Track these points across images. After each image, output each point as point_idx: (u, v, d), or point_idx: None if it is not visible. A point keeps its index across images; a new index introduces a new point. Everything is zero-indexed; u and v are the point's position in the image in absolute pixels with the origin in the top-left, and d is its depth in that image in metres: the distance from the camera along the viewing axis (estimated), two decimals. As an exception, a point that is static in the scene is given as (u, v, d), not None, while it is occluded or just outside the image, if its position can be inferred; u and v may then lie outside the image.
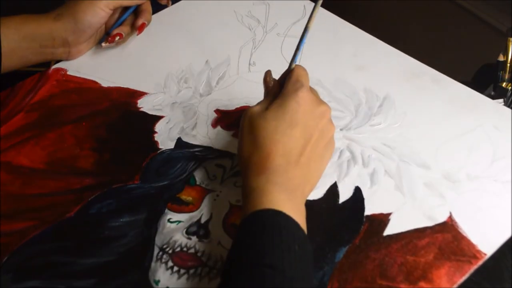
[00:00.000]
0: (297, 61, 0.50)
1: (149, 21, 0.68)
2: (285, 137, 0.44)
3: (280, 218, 0.41)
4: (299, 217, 0.43)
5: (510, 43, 0.70)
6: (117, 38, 0.65)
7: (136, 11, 0.68)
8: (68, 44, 0.63)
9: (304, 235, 0.42)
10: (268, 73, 0.50)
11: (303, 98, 0.46)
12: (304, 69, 0.49)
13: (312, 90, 0.48)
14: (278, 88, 0.49)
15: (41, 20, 0.62)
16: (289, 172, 0.44)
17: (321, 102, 0.47)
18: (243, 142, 0.46)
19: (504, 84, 0.68)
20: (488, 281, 0.45)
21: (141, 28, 0.67)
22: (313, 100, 0.46)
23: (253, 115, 0.46)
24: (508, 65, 0.69)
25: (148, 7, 0.68)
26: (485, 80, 0.70)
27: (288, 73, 0.49)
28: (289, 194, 0.43)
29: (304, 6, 0.72)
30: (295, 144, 0.45)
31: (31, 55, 0.62)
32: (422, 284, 0.43)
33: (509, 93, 0.67)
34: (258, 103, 0.48)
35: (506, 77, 0.69)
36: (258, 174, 0.44)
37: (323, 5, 0.72)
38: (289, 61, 0.50)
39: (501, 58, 0.69)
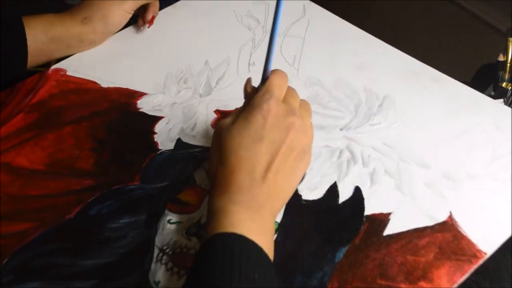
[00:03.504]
0: (271, 67, 0.46)
1: (156, 13, 0.71)
2: (249, 153, 0.42)
3: (240, 243, 0.38)
4: (265, 237, 0.40)
5: (510, 43, 0.70)
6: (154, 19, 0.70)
7: (145, 5, 0.70)
8: (95, 43, 0.67)
9: (267, 261, 0.39)
10: (248, 81, 0.47)
11: (269, 110, 0.43)
12: (281, 77, 0.45)
13: (288, 100, 0.45)
14: None
15: (67, 23, 0.63)
16: (254, 189, 0.41)
17: (289, 113, 0.44)
18: (211, 158, 0.44)
19: (504, 84, 0.68)
20: (488, 281, 0.45)
21: (151, 21, 0.70)
22: (279, 112, 0.43)
23: (221, 129, 0.44)
24: (508, 65, 0.69)
25: (155, 1, 0.71)
26: (485, 80, 0.70)
27: (262, 83, 0.46)
28: (254, 213, 0.41)
29: (304, 6, 0.72)
30: (261, 159, 0.42)
31: (57, 54, 0.65)
32: (422, 284, 0.43)
33: (509, 93, 0.66)
34: (230, 115, 0.45)
35: (506, 77, 0.69)
36: (221, 193, 0.42)
37: (322, 5, 0.72)
38: (263, 67, 0.45)
39: (501, 58, 0.69)
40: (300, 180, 0.46)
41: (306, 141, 0.45)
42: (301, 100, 0.47)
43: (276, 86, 0.44)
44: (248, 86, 0.47)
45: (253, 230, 0.40)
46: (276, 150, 0.43)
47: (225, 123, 0.44)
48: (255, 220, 0.41)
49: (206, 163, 0.53)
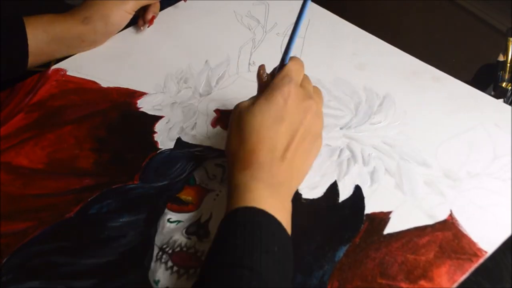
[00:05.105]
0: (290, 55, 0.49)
1: (157, 14, 0.71)
2: (271, 132, 0.44)
3: (261, 217, 0.41)
4: (283, 214, 0.42)
5: (510, 43, 0.69)
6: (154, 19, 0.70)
7: (145, 5, 0.70)
8: (95, 44, 0.67)
9: (286, 235, 0.41)
10: (261, 68, 0.49)
11: (289, 93, 0.45)
12: (298, 63, 0.48)
13: (305, 85, 0.48)
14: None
15: (68, 23, 0.63)
16: (274, 168, 0.43)
17: (307, 96, 0.47)
18: (231, 137, 0.46)
19: (504, 84, 0.68)
20: (488, 281, 0.44)
21: (151, 21, 0.70)
22: (299, 94, 0.46)
23: (241, 110, 0.46)
24: (508, 65, 0.69)
25: (156, 2, 0.71)
26: (485, 80, 0.70)
27: (279, 68, 0.48)
28: (273, 191, 0.43)
29: (304, 6, 0.72)
30: (281, 139, 0.44)
31: (58, 54, 0.65)
32: (422, 283, 0.43)
33: (509, 93, 0.66)
34: (249, 98, 0.47)
35: (506, 77, 0.69)
36: (242, 169, 0.43)
37: (322, 4, 0.72)
38: (282, 53, 0.48)
39: (501, 58, 0.69)
40: (313, 162, 0.48)
41: (320, 125, 0.48)
42: (314, 86, 0.50)
43: (295, 71, 0.47)
44: (262, 72, 0.50)
45: (273, 206, 0.42)
46: (295, 131, 0.45)
47: (245, 104, 0.46)
48: (275, 197, 0.43)
49: (206, 163, 0.53)
